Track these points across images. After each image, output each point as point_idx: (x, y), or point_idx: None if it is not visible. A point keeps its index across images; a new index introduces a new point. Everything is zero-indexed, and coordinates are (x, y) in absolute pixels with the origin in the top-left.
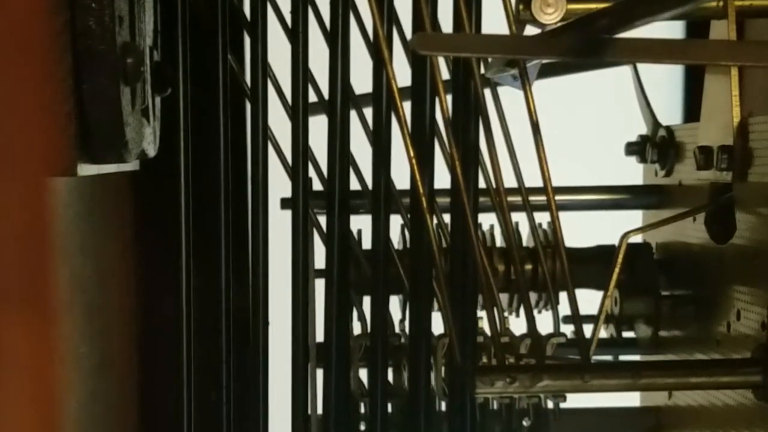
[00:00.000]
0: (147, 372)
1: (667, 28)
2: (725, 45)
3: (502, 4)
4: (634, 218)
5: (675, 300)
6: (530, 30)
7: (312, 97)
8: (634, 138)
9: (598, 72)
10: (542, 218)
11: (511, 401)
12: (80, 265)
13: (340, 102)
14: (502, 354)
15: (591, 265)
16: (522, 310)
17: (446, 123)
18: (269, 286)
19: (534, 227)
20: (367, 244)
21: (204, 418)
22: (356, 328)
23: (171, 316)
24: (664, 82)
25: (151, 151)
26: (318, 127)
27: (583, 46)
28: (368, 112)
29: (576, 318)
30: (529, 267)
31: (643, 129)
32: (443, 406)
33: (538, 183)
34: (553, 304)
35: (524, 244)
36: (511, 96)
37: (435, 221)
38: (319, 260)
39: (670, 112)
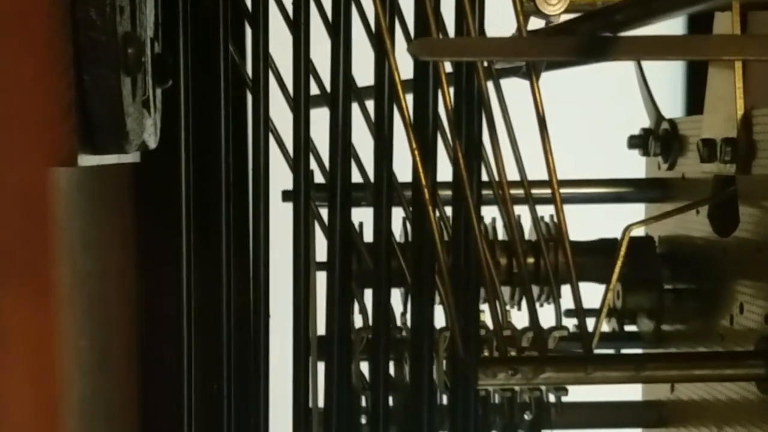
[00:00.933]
0: (148, 365)
1: (668, 22)
2: (730, 39)
3: None
4: (636, 212)
5: (678, 293)
6: (534, 22)
7: (314, 89)
8: (636, 131)
9: (601, 65)
10: (544, 211)
11: (513, 395)
12: (81, 257)
13: (342, 93)
14: (504, 347)
15: (593, 259)
16: (524, 304)
17: (449, 115)
18: (270, 279)
19: (536, 220)
20: (368, 236)
21: (205, 411)
22: (358, 321)
23: (172, 308)
24: (666, 75)
25: (152, 143)
26: (320, 118)
27: (586, 45)
28: (370, 104)
29: (579, 311)
30: (531, 260)
31: (646, 122)
32: (445, 400)
33: (540, 176)
34: (555, 297)
35: (526, 237)
36: (513, 88)
37: (437, 214)
38: (321, 253)
39: (671, 105)
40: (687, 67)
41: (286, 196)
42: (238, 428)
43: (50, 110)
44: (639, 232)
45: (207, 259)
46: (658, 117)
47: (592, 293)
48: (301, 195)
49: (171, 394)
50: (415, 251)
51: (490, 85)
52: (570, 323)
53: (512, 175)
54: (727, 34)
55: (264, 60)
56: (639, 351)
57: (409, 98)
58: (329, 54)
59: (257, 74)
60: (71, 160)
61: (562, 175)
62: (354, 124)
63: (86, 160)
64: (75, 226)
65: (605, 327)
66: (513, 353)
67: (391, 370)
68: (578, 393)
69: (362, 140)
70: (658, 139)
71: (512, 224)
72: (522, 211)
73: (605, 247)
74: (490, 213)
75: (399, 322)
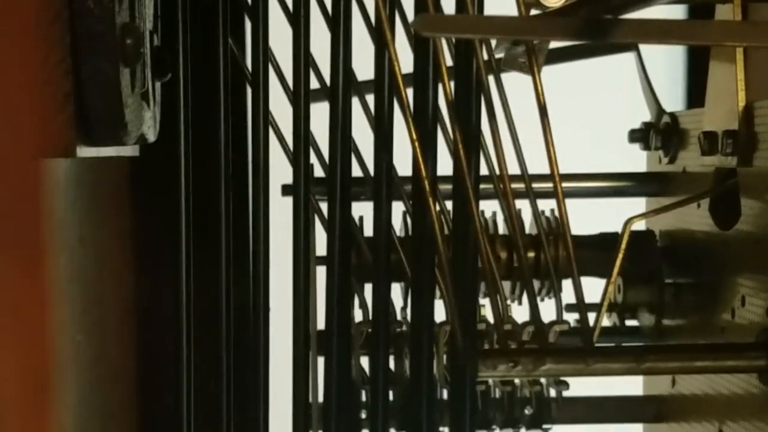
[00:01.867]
0: (145, 361)
1: (668, 14)
2: (732, 25)
3: None
4: (637, 206)
5: (679, 287)
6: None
7: (314, 83)
8: (637, 125)
9: (601, 59)
10: (544, 206)
11: (513, 389)
12: (77, 252)
13: (342, 87)
14: (505, 341)
15: (594, 253)
16: (524, 298)
17: (449, 108)
18: (270, 273)
19: (537, 214)
20: (368, 230)
21: (204, 407)
22: (358, 316)
23: (170, 304)
24: (666, 68)
25: (151, 136)
26: (319, 112)
27: (588, 27)
28: (370, 98)
29: (580, 305)
30: (531, 254)
31: (646, 116)
32: (445, 395)
33: (539, 170)
34: (555, 291)
35: (526, 231)
36: (514, 82)
37: (437, 207)
38: (321, 247)
39: (672, 98)
40: (688, 59)
41: (286, 190)
42: (238, 423)
43: (47, 99)
44: (640, 226)
45: (206, 254)
46: (658, 110)
47: (593, 288)
48: (300, 189)
49: (169, 390)
50: (415, 245)
51: (490, 77)
52: (570, 318)
53: (513, 168)
54: (729, 20)
55: (264, 53)
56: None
57: (409, 92)
58: (329, 47)
59: (257, 68)
60: (68, 152)
61: (562, 169)
62: (354, 117)
63: (84, 151)
64: (71, 220)
65: (606, 321)
66: (513, 347)
67: (391, 365)
68: (579, 388)
69: (362, 134)
70: (659, 132)
71: (513, 218)
72: (522, 205)
73: (606, 242)
74: (490, 207)
75: (399, 317)
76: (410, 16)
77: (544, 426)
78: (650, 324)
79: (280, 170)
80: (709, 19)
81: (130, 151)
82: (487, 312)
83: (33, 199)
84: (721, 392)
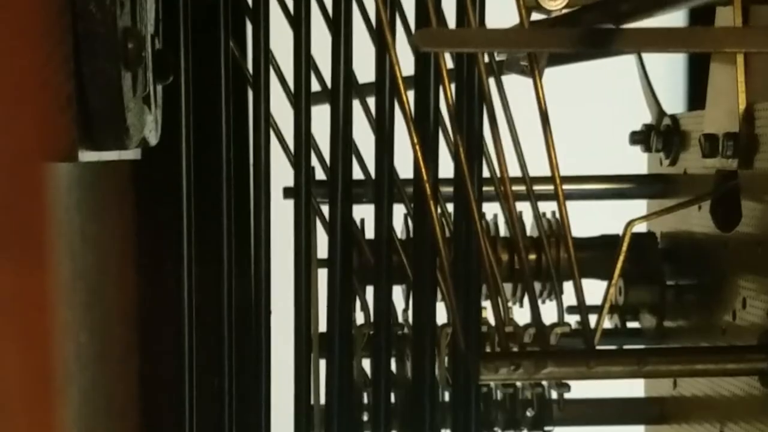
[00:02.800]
0: (148, 361)
1: (669, 16)
2: (732, 32)
3: None
4: (638, 208)
5: (680, 289)
6: (536, 17)
7: (315, 85)
8: (638, 127)
9: (602, 61)
10: (545, 208)
11: (515, 391)
12: (81, 254)
13: (343, 90)
14: (506, 343)
15: (595, 255)
16: (526, 300)
17: (450, 111)
18: (272, 276)
19: (538, 216)
20: (370, 233)
21: (206, 408)
22: (359, 318)
23: (172, 305)
24: (667, 70)
25: (153, 140)
26: (321, 115)
27: (588, 37)
28: (371, 101)
29: (581, 307)
30: (532, 256)
31: (647, 118)
32: (446, 397)
33: (540, 172)
34: (557, 293)
35: (527, 233)
36: (515, 84)
37: (438, 210)
38: (322, 249)
39: (672, 100)
40: (688, 62)
41: (288, 192)
42: (240, 424)
43: (49, 103)
44: (641, 228)
45: (208, 256)
46: (659, 112)
47: (594, 290)
48: (302, 191)
49: (172, 390)
50: (416, 247)
51: (491, 80)
52: (572, 320)
53: (514, 170)
54: (729, 26)
55: (265, 56)
56: (641, 347)
57: (411, 95)
58: (330, 50)
59: (258, 70)
60: (71, 155)
61: (563, 171)
62: (355, 120)
63: (87, 155)
64: (74, 222)
65: (607, 323)
66: (515, 349)
67: (393, 367)
68: (580, 390)
69: (363, 136)
70: (660, 134)
71: (514, 220)
72: (523, 207)
73: (607, 244)
74: (491, 209)
75: (401, 319)
76: (411, 18)
77: (546, 428)
78: (651, 326)
79: (282, 173)
80: (709, 26)
81: (131, 154)
82: (489, 314)
83: (36, 201)
84: (723, 394)
